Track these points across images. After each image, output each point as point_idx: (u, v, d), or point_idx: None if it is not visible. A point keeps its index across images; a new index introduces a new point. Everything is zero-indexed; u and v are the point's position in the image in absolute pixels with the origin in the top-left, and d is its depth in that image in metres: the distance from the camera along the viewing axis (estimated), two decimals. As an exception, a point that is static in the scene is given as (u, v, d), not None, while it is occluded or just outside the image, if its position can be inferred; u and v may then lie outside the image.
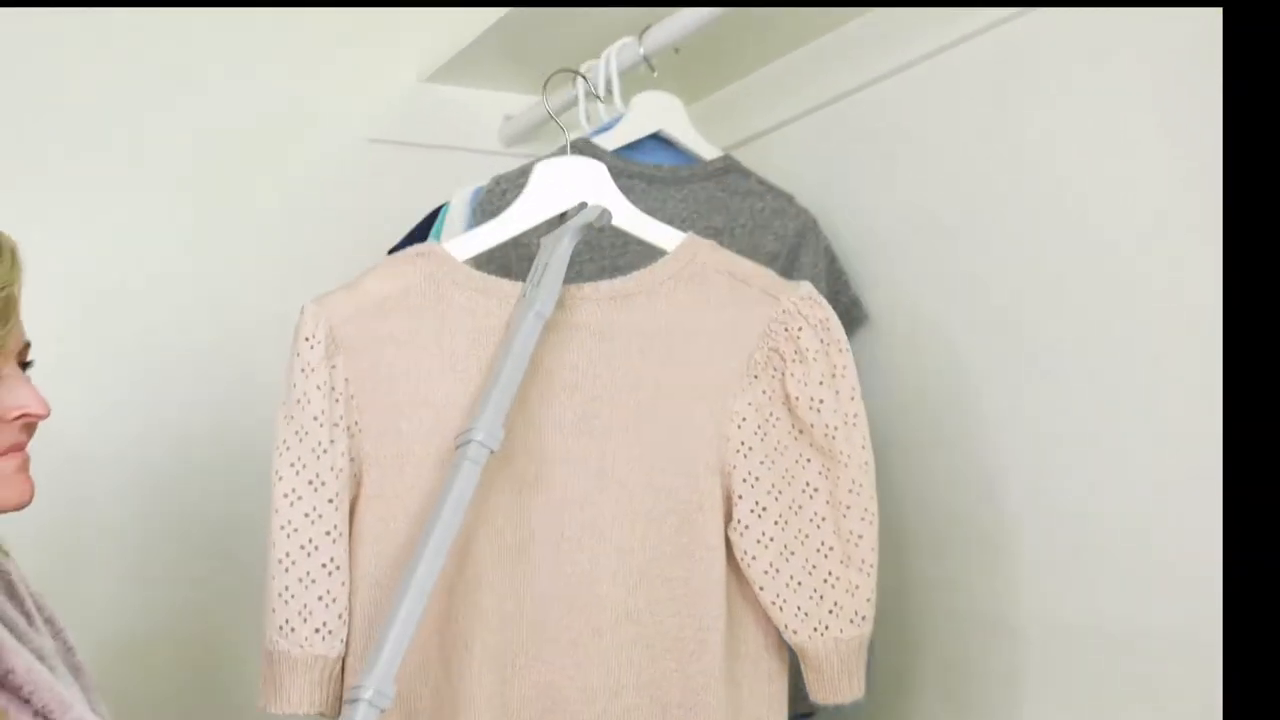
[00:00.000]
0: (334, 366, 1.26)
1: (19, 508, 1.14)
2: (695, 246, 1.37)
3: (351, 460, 1.27)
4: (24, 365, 1.17)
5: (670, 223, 1.64)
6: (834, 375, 1.31)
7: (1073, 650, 1.41)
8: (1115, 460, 1.37)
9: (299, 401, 1.25)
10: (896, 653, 1.63)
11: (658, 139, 1.71)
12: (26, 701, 1.06)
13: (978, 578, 1.53)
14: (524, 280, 1.33)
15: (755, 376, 1.31)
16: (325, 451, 1.25)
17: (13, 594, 1.19)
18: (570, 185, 1.38)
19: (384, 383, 1.28)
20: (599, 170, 1.39)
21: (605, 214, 1.34)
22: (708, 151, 1.72)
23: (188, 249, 1.85)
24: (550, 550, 1.28)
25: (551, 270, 1.28)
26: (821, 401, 1.30)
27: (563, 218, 1.40)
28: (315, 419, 1.24)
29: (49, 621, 1.21)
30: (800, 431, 1.31)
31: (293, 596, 1.24)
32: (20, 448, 1.14)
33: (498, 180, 1.61)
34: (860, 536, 1.29)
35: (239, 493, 1.78)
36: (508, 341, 1.25)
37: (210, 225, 1.86)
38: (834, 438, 1.29)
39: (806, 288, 1.34)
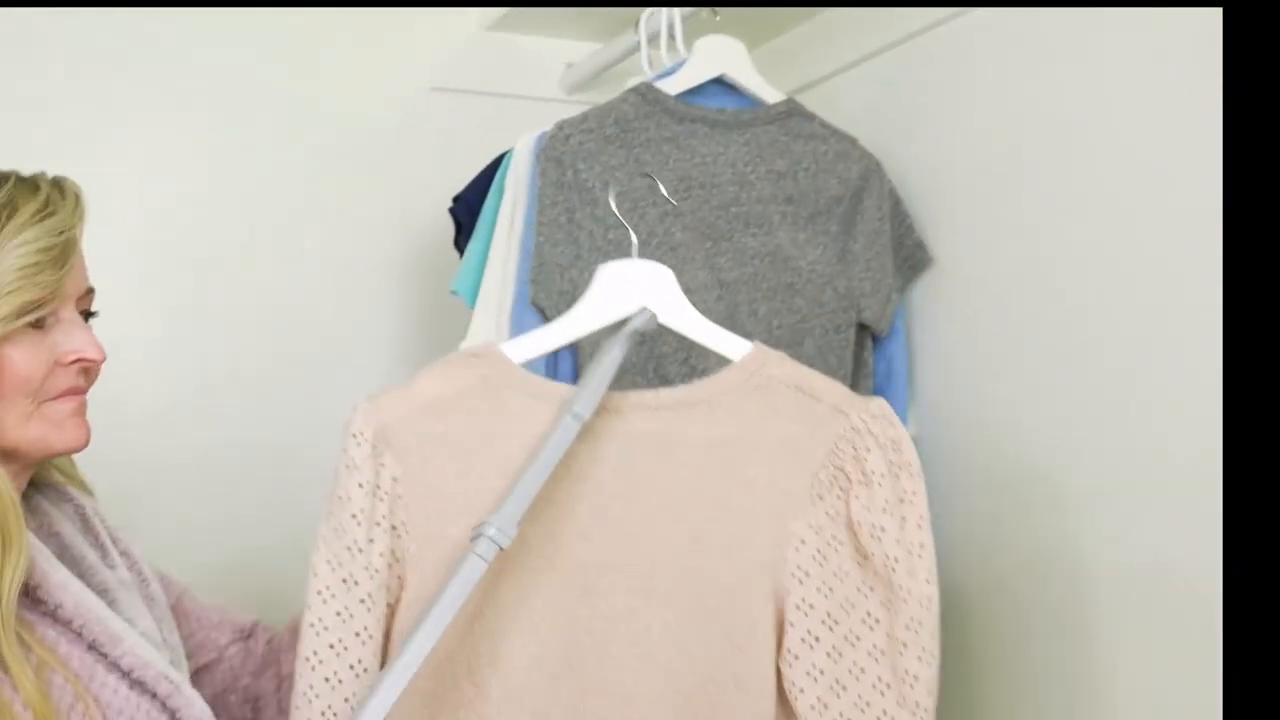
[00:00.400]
0: (382, 464, 1.21)
1: (73, 451, 1.17)
2: (763, 357, 1.28)
3: (396, 560, 1.22)
4: (88, 315, 1.20)
5: (733, 166, 1.64)
6: (901, 501, 1.22)
7: (1134, 589, 1.40)
8: (1169, 400, 1.36)
9: (339, 498, 1.20)
10: (960, 601, 1.63)
11: (720, 83, 1.67)
12: (78, 634, 1.10)
13: (1039, 518, 1.53)
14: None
15: (820, 496, 1.23)
16: (361, 550, 1.19)
17: (88, 529, 1.23)
18: (633, 289, 1.29)
19: (434, 485, 1.22)
20: (663, 274, 1.31)
21: (651, 318, 1.27)
22: (770, 95, 1.68)
23: (254, 199, 1.86)
24: (593, 665, 1.22)
25: (597, 374, 1.22)
26: (883, 530, 1.21)
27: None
28: (353, 516, 1.19)
29: (125, 554, 1.24)
30: (865, 558, 1.22)
31: (317, 696, 1.17)
32: (77, 391, 1.16)
33: (561, 125, 1.59)
34: (916, 677, 1.20)
35: (309, 436, 1.83)
36: (542, 441, 1.20)
37: (275, 176, 1.87)
38: (894, 569, 1.21)
39: (878, 405, 1.25)
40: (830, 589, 1.22)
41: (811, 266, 1.64)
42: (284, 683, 1.36)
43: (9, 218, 1.09)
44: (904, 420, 1.68)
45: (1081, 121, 1.46)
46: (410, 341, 1.91)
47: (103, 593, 1.17)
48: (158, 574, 1.33)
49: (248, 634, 1.40)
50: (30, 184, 1.13)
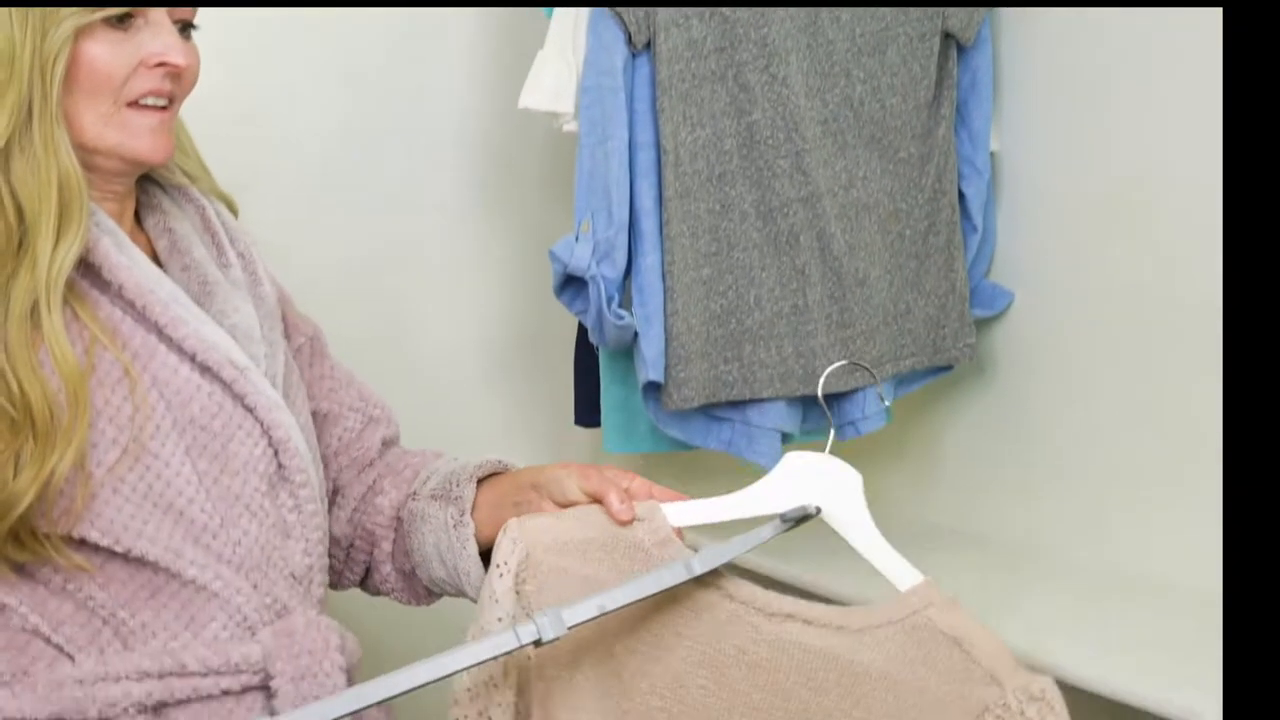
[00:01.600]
0: (518, 593, 1.17)
1: (151, 162, 1.18)
2: (928, 596, 1.15)
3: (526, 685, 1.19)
4: (187, 26, 1.18)
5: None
6: None
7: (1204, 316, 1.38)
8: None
9: (481, 629, 1.17)
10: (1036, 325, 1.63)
11: None
12: (142, 315, 1.13)
13: (1121, 237, 1.51)
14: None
15: None
16: (497, 687, 1.17)
17: (207, 228, 1.26)
18: (813, 486, 1.20)
19: None
20: (850, 478, 1.20)
21: (804, 507, 1.19)
22: None
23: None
24: None
25: (736, 543, 1.17)
26: None
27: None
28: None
29: (242, 255, 1.27)
30: None
31: None
32: (161, 95, 1.15)
33: None
34: None
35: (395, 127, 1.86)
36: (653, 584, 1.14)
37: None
38: None
39: (1040, 685, 1.09)
40: None
41: (897, -29, 1.57)
42: (375, 498, 1.32)
43: None
44: (986, 134, 1.65)
45: None
46: (489, 49, 1.89)
47: (203, 284, 1.19)
48: (303, 316, 1.35)
49: (371, 415, 1.35)
50: None
